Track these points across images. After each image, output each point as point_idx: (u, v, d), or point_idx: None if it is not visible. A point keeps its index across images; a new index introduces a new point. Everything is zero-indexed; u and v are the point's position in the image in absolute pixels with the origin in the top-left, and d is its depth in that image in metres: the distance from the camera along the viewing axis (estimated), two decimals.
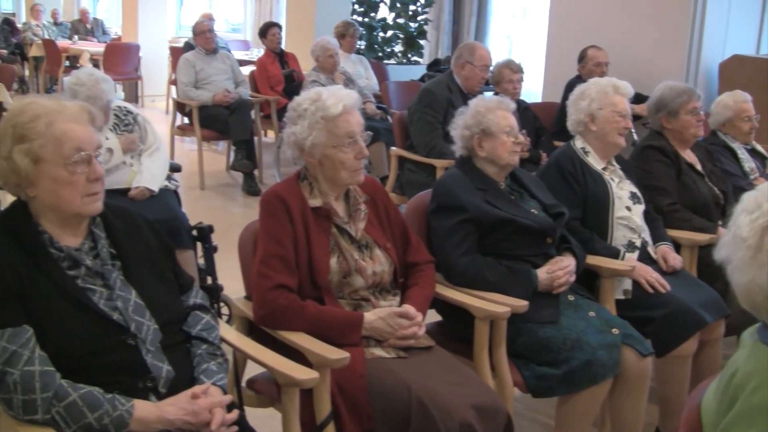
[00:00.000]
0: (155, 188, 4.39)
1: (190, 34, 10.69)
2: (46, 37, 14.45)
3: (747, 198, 1.71)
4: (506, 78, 6.01)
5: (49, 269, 2.17)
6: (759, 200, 1.66)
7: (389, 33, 10.96)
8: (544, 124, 6.41)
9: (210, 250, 4.21)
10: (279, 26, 8.87)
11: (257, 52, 11.83)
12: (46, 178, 2.18)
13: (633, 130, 6.54)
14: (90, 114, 2.29)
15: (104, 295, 2.23)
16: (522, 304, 2.99)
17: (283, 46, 8.91)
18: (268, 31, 8.74)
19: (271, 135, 8.74)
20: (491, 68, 5.90)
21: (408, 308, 2.77)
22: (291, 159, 2.90)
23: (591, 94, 3.75)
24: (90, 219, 2.31)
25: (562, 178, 3.66)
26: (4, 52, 13.74)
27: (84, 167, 2.21)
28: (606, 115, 3.71)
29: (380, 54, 10.81)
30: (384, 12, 11.04)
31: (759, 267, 1.61)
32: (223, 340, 2.52)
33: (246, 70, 8.84)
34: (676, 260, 3.67)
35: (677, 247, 3.83)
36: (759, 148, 4.94)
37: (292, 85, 8.26)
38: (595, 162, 3.74)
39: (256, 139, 7.84)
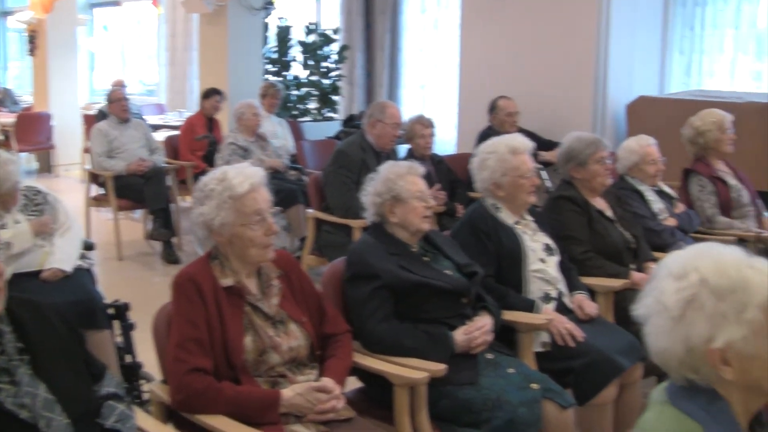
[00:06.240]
0: (68, 269, 4.27)
1: (103, 100, 10.55)
2: None
3: (674, 260, 1.70)
4: (418, 133, 6.08)
5: None
6: (686, 268, 1.65)
7: (303, 90, 11.01)
8: (458, 176, 6.46)
9: (127, 328, 4.15)
10: (221, 94, 8.68)
11: (172, 116, 11.73)
12: None
13: (546, 177, 6.67)
14: None
15: (11, 392, 2.18)
16: (440, 368, 3.00)
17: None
18: (211, 96, 8.60)
19: (188, 200, 8.65)
20: (403, 125, 5.94)
21: (326, 382, 2.77)
22: (201, 239, 2.89)
23: (491, 164, 3.76)
24: None
25: (475, 236, 3.69)
26: None
27: None
28: (510, 181, 3.74)
29: (295, 112, 10.84)
30: (297, 70, 11.09)
31: (676, 337, 1.63)
32: (140, 429, 2.47)
33: (161, 135, 8.74)
34: (591, 308, 3.72)
35: (593, 294, 3.88)
36: (666, 188, 5.06)
37: (211, 150, 8.19)
38: (506, 217, 3.78)
39: (173, 206, 7.75)
